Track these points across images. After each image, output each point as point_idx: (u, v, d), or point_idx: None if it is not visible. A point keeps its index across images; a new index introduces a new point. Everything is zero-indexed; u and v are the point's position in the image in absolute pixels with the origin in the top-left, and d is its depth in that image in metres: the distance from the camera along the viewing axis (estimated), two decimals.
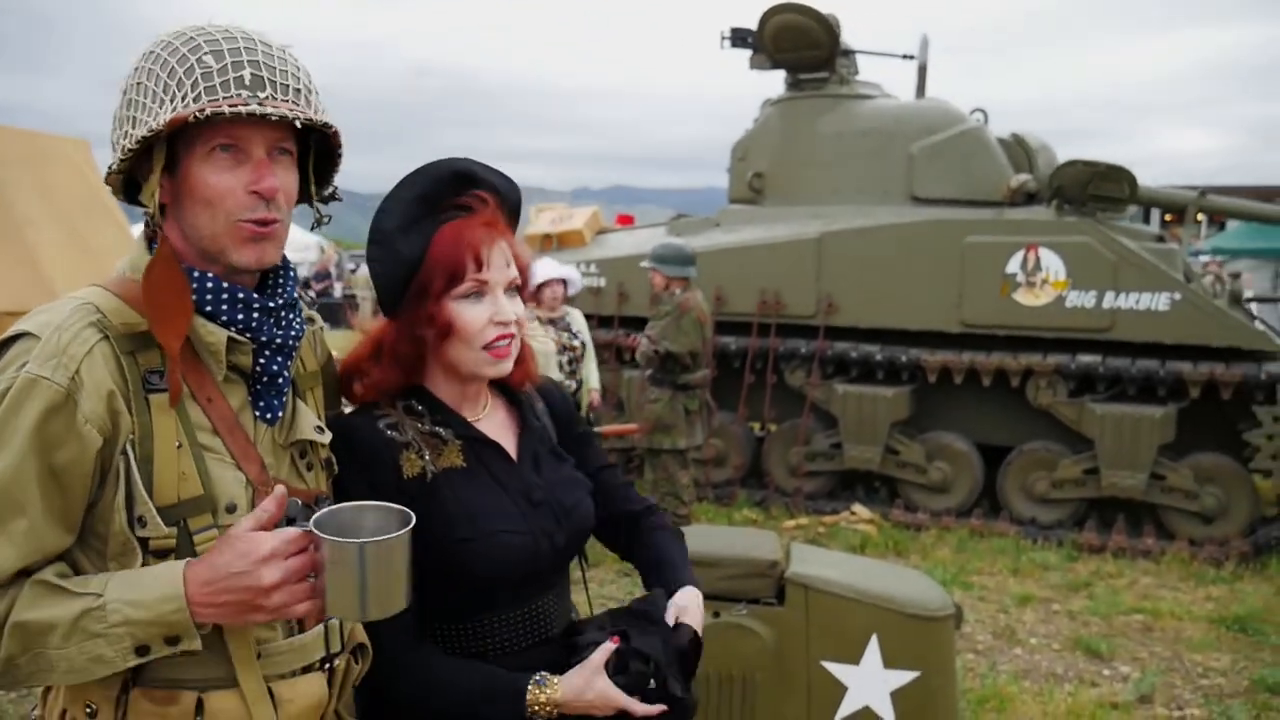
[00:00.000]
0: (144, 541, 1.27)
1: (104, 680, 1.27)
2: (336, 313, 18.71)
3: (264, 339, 1.38)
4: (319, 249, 31.06)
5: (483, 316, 1.58)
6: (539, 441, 1.76)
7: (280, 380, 1.42)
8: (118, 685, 1.29)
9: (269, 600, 1.24)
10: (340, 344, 1.74)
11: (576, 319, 6.50)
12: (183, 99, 1.25)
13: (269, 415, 1.42)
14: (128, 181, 1.35)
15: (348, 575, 1.23)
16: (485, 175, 1.64)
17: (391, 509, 1.35)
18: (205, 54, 1.27)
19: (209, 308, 1.34)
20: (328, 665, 1.44)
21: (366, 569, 1.23)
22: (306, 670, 1.41)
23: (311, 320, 1.57)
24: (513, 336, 1.63)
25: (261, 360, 1.39)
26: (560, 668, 1.59)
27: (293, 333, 1.42)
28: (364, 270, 18.36)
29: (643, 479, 6.80)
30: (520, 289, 1.67)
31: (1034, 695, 4.55)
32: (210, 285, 1.34)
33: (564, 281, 6.21)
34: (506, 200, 1.67)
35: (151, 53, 1.30)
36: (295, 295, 1.45)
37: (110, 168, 1.31)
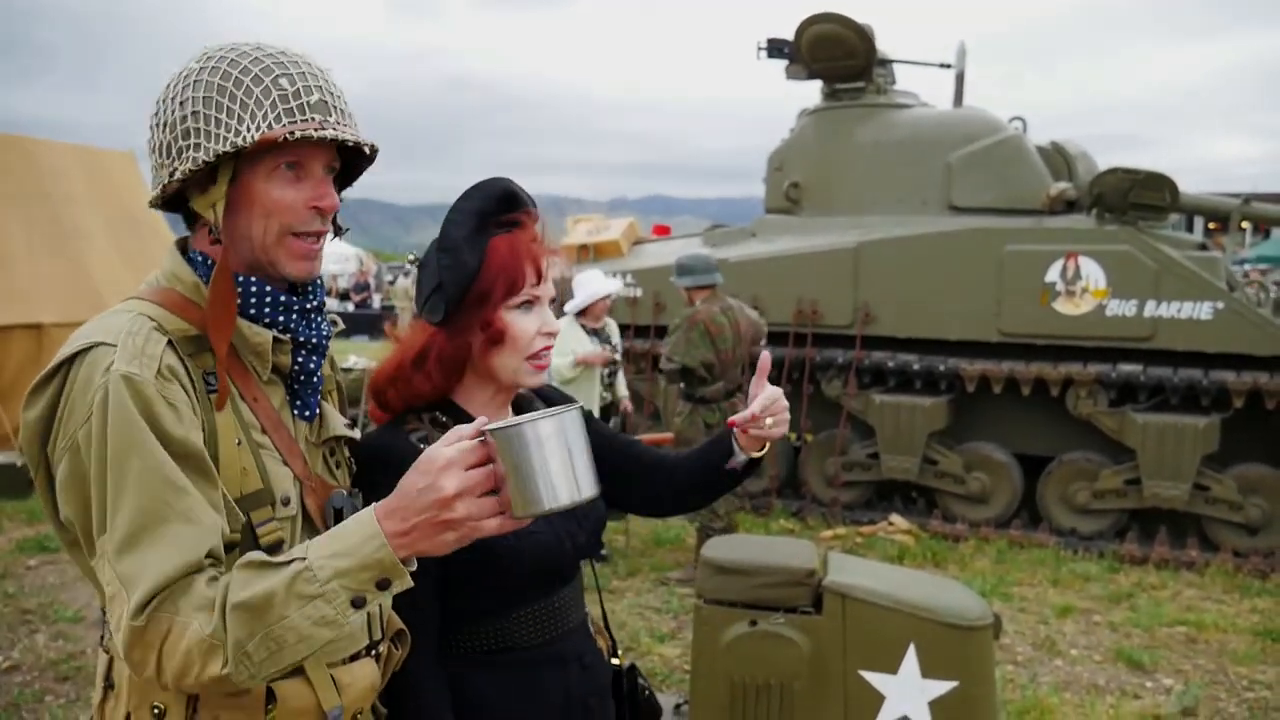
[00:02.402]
0: None
1: None
2: (375, 324, 18.77)
3: (301, 338, 1.45)
4: (358, 260, 31.39)
5: (533, 327, 1.66)
6: None
7: (315, 379, 1.50)
8: None
9: (454, 511, 1.20)
10: (379, 355, 1.78)
11: (613, 330, 6.54)
12: (263, 118, 1.32)
13: (306, 413, 1.49)
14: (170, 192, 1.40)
15: (526, 463, 1.21)
16: (525, 196, 1.71)
17: (554, 408, 1.30)
18: (279, 77, 1.34)
19: (252, 310, 1.40)
20: (373, 652, 1.49)
21: (545, 449, 1.21)
22: (355, 658, 1.45)
23: (335, 323, 1.63)
24: (551, 349, 1.72)
25: (299, 359, 1.46)
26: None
27: (324, 332, 1.50)
28: (402, 282, 18.41)
29: None
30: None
31: (1075, 707, 4.51)
32: (254, 289, 1.40)
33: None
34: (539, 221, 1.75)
35: (216, 69, 1.34)
36: (323, 299, 1.52)
37: (170, 177, 1.35)
